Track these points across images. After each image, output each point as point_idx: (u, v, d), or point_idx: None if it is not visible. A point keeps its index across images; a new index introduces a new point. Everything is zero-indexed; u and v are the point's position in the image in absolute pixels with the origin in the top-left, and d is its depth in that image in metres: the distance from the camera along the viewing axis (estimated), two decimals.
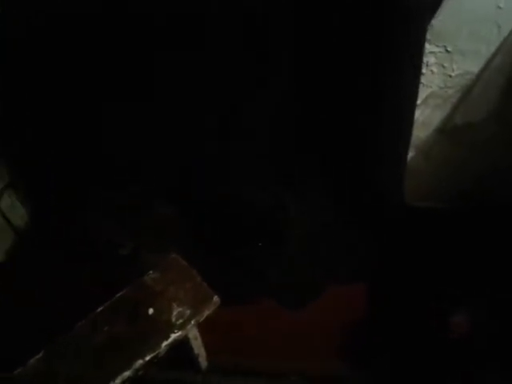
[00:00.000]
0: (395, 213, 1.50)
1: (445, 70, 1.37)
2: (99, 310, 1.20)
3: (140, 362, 1.11)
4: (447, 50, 1.33)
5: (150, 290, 1.24)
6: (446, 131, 1.47)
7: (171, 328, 1.16)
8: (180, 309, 1.20)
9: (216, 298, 1.21)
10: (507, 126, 1.41)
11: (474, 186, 1.52)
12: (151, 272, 1.27)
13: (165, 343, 1.14)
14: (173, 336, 1.15)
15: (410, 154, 1.50)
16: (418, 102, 1.38)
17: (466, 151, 1.48)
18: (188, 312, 1.19)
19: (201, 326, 1.24)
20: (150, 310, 1.20)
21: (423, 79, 1.36)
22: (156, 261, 1.29)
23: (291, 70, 1.20)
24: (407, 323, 1.33)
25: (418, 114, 1.42)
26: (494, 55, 1.32)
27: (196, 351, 1.28)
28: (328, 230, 1.54)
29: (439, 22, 1.24)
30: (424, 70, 1.35)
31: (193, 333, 1.22)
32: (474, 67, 1.35)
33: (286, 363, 1.39)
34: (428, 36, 1.25)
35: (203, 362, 1.33)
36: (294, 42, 1.16)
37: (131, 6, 1.00)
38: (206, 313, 1.20)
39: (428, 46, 1.30)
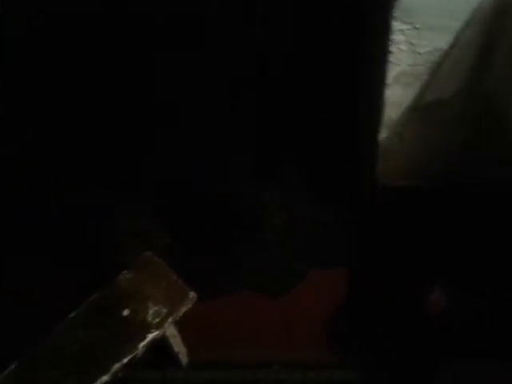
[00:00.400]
0: (371, 194, 1.49)
1: (413, 47, 1.34)
2: (73, 314, 1.17)
3: (117, 365, 1.08)
4: (415, 27, 1.30)
5: (124, 290, 1.21)
6: (417, 109, 1.45)
7: (148, 328, 1.14)
8: (156, 307, 1.17)
9: (192, 294, 1.19)
10: (478, 101, 1.40)
11: (446, 163, 1.51)
12: (125, 272, 1.24)
13: (142, 344, 1.12)
14: (150, 336, 1.13)
15: (383, 135, 1.48)
16: (389, 81, 1.36)
17: (438, 128, 1.46)
18: (164, 310, 1.16)
19: (180, 323, 1.22)
20: (125, 311, 1.17)
21: (392, 58, 1.33)
22: (130, 260, 1.26)
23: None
24: (388, 305, 1.34)
25: (388, 93, 1.40)
26: (463, 30, 1.29)
27: (176, 349, 1.26)
28: (306, 215, 1.53)
29: None
30: (393, 48, 1.32)
31: (171, 331, 1.19)
32: (443, 43, 1.32)
33: (269, 353, 1.38)
34: (395, 13, 1.22)
35: (184, 358, 1.32)
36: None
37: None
38: (183, 310, 1.18)
39: (396, 24, 1.27)
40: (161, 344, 1.21)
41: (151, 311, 1.16)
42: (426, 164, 1.52)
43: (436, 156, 1.50)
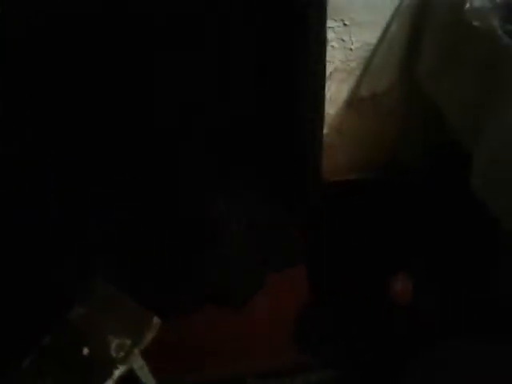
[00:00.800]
0: (317, 191, 1.50)
1: (345, 43, 1.37)
2: (26, 364, 1.04)
3: None
4: (345, 24, 1.33)
5: (78, 328, 1.10)
6: (353, 104, 1.49)
7: (112, 364, 1.04)
8: (118, 340, 1.08)
9: (156, 319, 1.11)
10: (409, 92, 1.46)
11: (385, 155, 1.57)
12: (76, 306, 1.13)
13: (109, 383, 1.03)
14: (116, 372, 1.03)
15: (323, 131, 1.50)
16: None
17: (374, 120, 1.51)
18: (128, 342, 1.07)
19: (143, 351, 1.14)
20: (84, 350, 1.06)
21: (326, 55, 1.35)
22: (76, 292, 1.15)
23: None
24: (353, 300, 1.35)
25: (325, 90, 1.42)
26: (389, 25, 1.34)
27: (143, 380, 1.17)
28: (260, 219, 1.51)
29: None
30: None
31: (138, 363, 1.11)
32: (372, 38, 1.37)
33: (240, 366, 1.34)
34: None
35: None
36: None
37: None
38: (149, 337, 1.09)
39: (327, 22, 1.29)
40: (126, 377, 1.12)
41: (113, 345, 1.07)
42: (365, 156, 1.57)
43: (376, 148, 1.55)
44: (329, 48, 1.36)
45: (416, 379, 1.01)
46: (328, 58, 1.37)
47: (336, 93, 1.46)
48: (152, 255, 1.34)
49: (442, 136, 1.39)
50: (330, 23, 1.30)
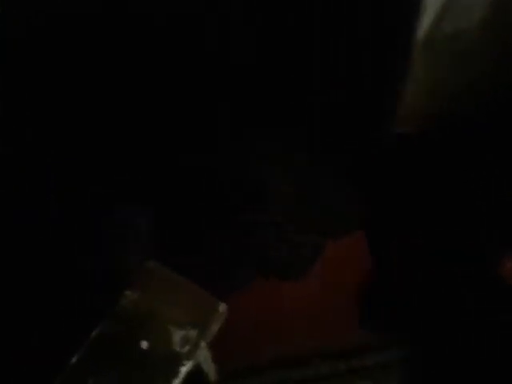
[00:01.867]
0: (386, 145, 1.32)
1: None
2: (74, 360, 0.88)
3: None
4: None
5: (132, 317, 0.93)
6: (429, 43, 1.26)
7: (178, 360, 0.89)
8: (182, 331, 0.92)
9: (223, 306, 0.95)
10: (495, 34, 1.24)
11: (460, 102, 1.37)
12: (128, 292, 0.96)
13: (175, 382, 0.88)
14: (183, 370, 0.89)
15: None
16: None
17: (454, 63, 1.30)
18: (193, 334, 0.91)
19: None
20: (143, 344, 0.90)
21: None
22: (128, 276, 0.98)
23: None
24: (430, 273, 1.19)
25: None
26: None
27: (205, 371, 1.03)
28: (314, 182, 1.33)
29: None
30: None
31: (204, 356, 0.96)
32: None
33: (304, 347, 1.20)
34: None
35: (213, 376, 1.09)
36: None
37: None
38: (216, 327, 0.94)
39: None
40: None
41: (177, 337, 0.91)
42: (440, 105, 1.36)
43: (450, 95, 1.35)
44: None
45: None
46: None
47: None
48: (202, 230, 1.18)
49: None
50: None
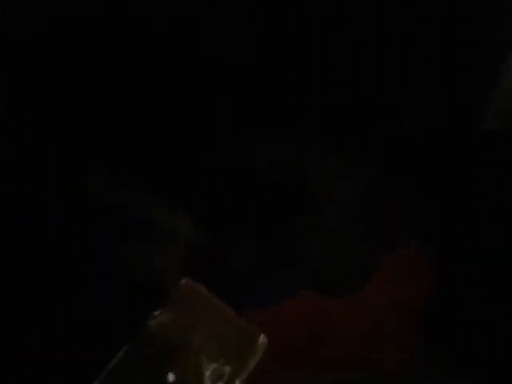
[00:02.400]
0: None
1: None
2: None
3: None
4: None
5: (160, 342, 0.83)
6: None
7: None
8: (214, 364, 0.80)
9: (263, 339, 0.82)
10: None
11: None
12: (157, 313, 0.84)
13: None
14: None
15: None
16: None
17: None
18: (227, 369, 0.80)
19: None
20: (170, 377, 0.80)
21: None
22: (159, 292, 0.87)
23: None
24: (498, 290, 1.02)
25: None
26: None
27: None
28: (371, 187, 1.19)
29: None
30: None
31: None
32: None
33: (351, 369, 1.07)
34: None
35: None
36: None
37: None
38: (253, 362, 0.82)
39: None
40: None
41: (209, 371, 0.80)
42: None
43: None
44: None
45: None
46: None
47: None
48: (246, 233, 1.07)
49: None
50: None
